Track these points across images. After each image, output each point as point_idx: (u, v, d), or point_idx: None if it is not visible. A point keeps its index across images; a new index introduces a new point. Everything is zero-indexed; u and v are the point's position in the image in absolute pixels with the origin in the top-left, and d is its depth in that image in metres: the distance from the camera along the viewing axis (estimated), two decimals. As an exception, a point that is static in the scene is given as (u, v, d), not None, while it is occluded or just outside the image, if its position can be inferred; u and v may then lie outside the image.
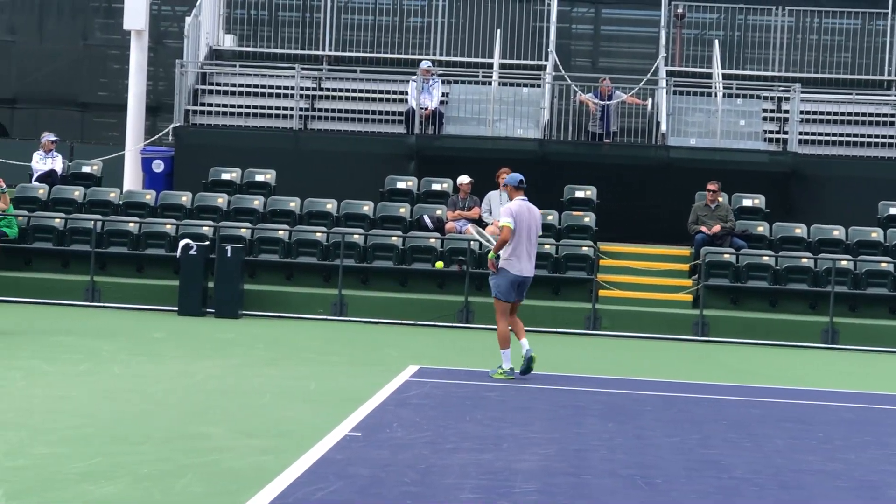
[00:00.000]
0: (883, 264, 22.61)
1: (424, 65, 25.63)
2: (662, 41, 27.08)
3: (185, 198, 23.86)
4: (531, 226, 15.12)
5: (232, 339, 18.11)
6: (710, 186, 23.17)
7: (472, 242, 21.72)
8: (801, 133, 25.23)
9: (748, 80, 27.22)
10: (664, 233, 24.20)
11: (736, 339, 21.34)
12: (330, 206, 23.68)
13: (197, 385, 13.56)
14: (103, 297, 21.84)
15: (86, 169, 25.41)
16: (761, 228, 23.60)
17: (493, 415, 12.40)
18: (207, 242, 21.81)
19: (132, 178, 26.24)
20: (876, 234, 23.57)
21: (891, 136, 25.94)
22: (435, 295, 22.13)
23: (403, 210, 23.63)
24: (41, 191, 24.05)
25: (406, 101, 25.72)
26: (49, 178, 24.69)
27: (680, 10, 28.12)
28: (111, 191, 24.32)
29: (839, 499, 9.44)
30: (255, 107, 25.99)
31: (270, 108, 26.02)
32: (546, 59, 26.83)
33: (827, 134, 25.66)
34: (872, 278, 22.41)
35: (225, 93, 26.41)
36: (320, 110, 26.22)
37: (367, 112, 25.80)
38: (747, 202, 24.29)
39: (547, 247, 22.52)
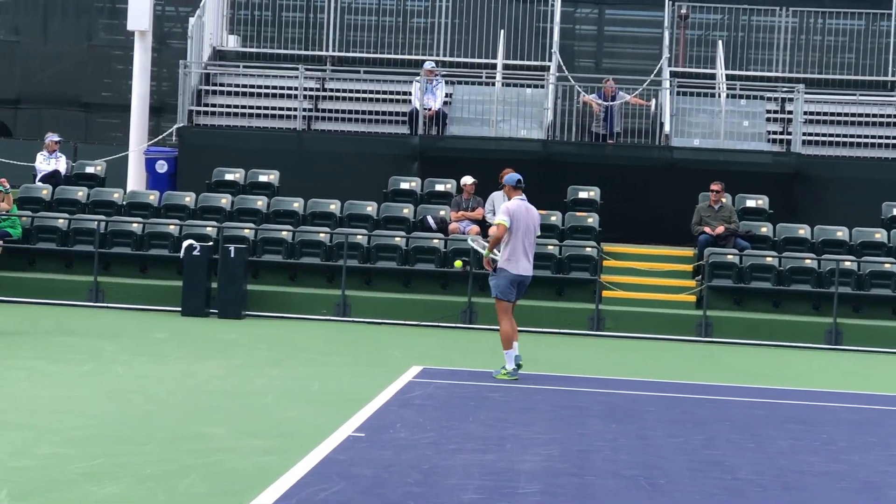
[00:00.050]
0: (886, 265, 22.60)
1: (428, 65, 25.63)
2: (666, 42, 27.07)
3: (188, 198, 23.87)
4: (529, 225, 15.15)
5: (235, 340, 18.11)
6: (714, 187, 23.16)
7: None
8: (804, 134, 25.21)
9: (752, 81, 27.21)
10: (668, 233, 24.19)
11: (739, 339, 21.33)
12: (333, 206, 23.69)
13: (200, 385, 13.57)
14: (107, 297, 21.85)
15: (89, 169, 25.43)
16: (765, 229, 23.59)
17: (497, 415, 12.40)
18: (211, 243, 21.81)
19: (136, 179, 26.26)
20: (879, 234, 23.55)
21: (894, 137, 25.91)
22: (438, 295, 22.13)
23: (407, 211, 23.63)
24: (45, 191, 24.07)
25: (410, 101, 25.72)
26: (53, 178, 24.71)
27: (683, 11, 28.11)
28: (115, 191, 24.33)
29: (842, 500, 9.44)
30: (259, 107, 25.99)
31: (274, 108, 26.02)
32: (549, 60, 26.84)
33: (830, 135, 25.64)
34: (876, 279, 22.40)
35: (228, 93, 26.42)
36: (324, 111, 26.22)
37: (370, 113, 25.80)
38: (751, 203, 24.28)
39: (550, 247, 22.53)
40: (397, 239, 22.68)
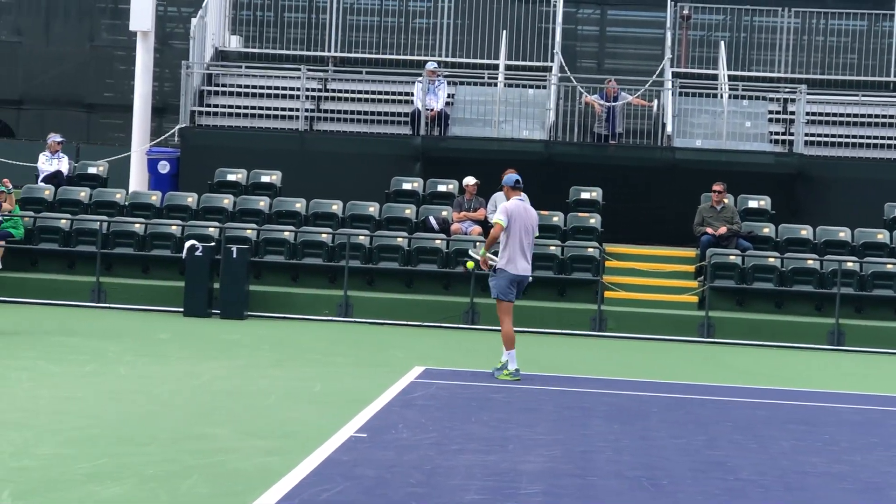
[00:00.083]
0: (889, 266, 22.59)
1: (430, 66, 25.63)
2: (668, 42, 27.08)
3: (190, 199, 23.87)
4: (527, 225, 15.19)
5: (237, 341, 18.11)
6: (716, 188, 23.15)
7: (477, 244, 21.71)
8: (806, 134, 25.20)
9: (754, 82, 27.20)
10: (670, 234, 24.19)
11: (741, 340, 21.33)
12: (335, 207, 23.69)
13: (202, 386, 13.57)
14: (109, 297, 21.86)
15: (92, 170, 25.44)
16: (767, 230, 23.59)
17: (499, 416, 12.40)
18: (213, 243, 21.82)
19: (138, 179, 26.27)
20: (882, 235, 23.54)
21: (897, 138, 25.93)
22: (440, 296, 22.14)
23: (409, 211, 23.63)
24: (47, 192, 24.08)
25: (412, 102, 25.72)
26: (55, 178, 24.72)
27: (686, 12, 28.11)
28: (117, 192, 24.34)
29: (844, 501, 9.44)
30: (261, 108, 26.00)
31: (276, 109, 26.03)
32: (552, 61, 26.83)
33: (833, 135, 25.64)
34: (878, 280, 22.39)
35: (231, 94, 26.43)
36: (326, 111, 26.23)
37: (372, 113, 25.80)
38: (753, 204, 24.27)
39: (552, 248, 22.53)
40: (399, 239, 22.69)
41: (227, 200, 23.79)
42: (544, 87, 25.83)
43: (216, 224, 22.89)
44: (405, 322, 21.44)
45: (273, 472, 9.18)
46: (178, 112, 26.78)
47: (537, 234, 15.63)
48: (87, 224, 22.97)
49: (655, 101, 25.87)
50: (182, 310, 21.19)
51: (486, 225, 22.24)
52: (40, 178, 24.88)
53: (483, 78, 26.43)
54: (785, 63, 28.02)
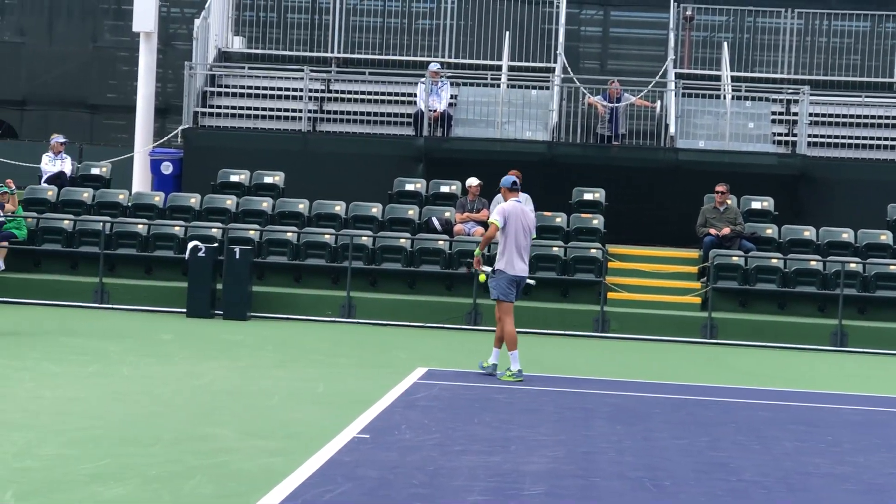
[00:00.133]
0: (892, 267, 22.57)
1: (433, 67, 25.64)
2: (671, 43, 27.07)
3: (193, 199, 23.88)
4: (524, 226, 15.24)
5: (240, 341, 18.12)
6: (719, 189, 23.15)
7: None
8: (809, 135, 25.20)
9: (757, 83, 27.19)
10: (673, 235, 24.19)
11: (744, 341, 21.32)
12: (338, 207, 23.70)
13: (205, 387, 13.58)
14: (112, 298, 21.87)
15: (95, 171, 25.45)
16: (770, 231, 23.58)
17: (502, 417, 12.40)
18: (216, 244, 21.82)
19: (141, 180, 26.28)
20: (885, 236, 23.53)
21: (900, 139, 25.91)
22: (443, 297, 22.14)
23: (412, 212, 23.64)
24: (50, 192, 24.09)
25: (415, 103, 25.73)
26: (58, 179, 24.73)
27: (689, 13, 28.11)
28: (120, 192, 24.35)
29: (847, 502, 9.43)
30: (264, 109, 26.00)
31: (279, 109, 26.03)
32: (555, 62, 26.84)
33: (836, 136, 25.63)
34: (881, 281, 22.38)
35: (234, 95, 26.44)
36: (329, 112, 26.24)
37: (375, 114, 25.81)
38: (756, 205, 24.27)
39: (555, 249, 22.54)
40: (402, 240, 22.69)
41: (230, 201, 23.79)
42: (547, 88, 25.83)
43: (219, 225, 22.90)
44: (408, 323, 21.44)
45: (276, 472, 9.18)
46: (181, 113, 26.80)
47: (535, 236, 15.66)
48: (90, 225, 22.98)
49: (658, 102, 25.87)
50: (185, 310, 21.20)
51: (488, 226, 22.21)
52: (43, 179, 24.89)
53: (486, 79, 26.43)
54: (788, 64, 28.01)
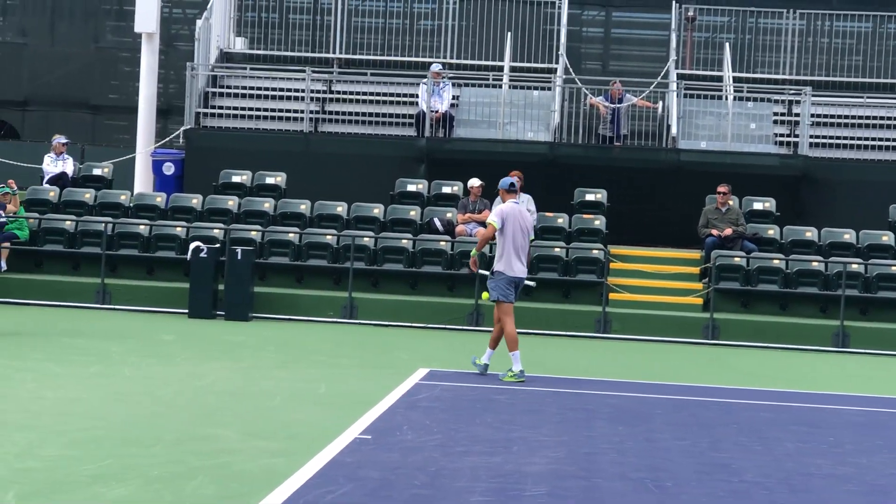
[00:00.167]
0: (894, 268, 22.57)
1: (435, 68, 25.64)
2: (673, 44, 27.06)
3: (195, 200, 23.89)
4: (522, 228, 15.27)
5: (242, 342, 18.12)
6: (721, 189, 23.15)
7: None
8: (811, 136, 25.20)
9: (759, 84, 27.18)
10: (674, 236, 24.19)
11: (746, 342, 21.31)
12: (340, 208, 23.71)
13: (207, 387, 13.58)
14: (114, 299, 21.87)
15: (96, 171, 25.45)
16: (772, 232, 23.58)
17: (504, 418, 12.40)
18: (218, 245, 21.83)
19: (143, 181, 26.29)
20: (887, 237, 23.52)
21: (902, 140, 25.91)
22: (445, 298, 22.14)
23: (414, 213, 23.64)
24: (52, 193, 24.09)
25: (416, 103, 25.73)
26: (60, 180, 24.73)
27: (690, 14, 28.10)
28: (122, 193, 24.36)
29: (849, 503, 9.43)
30: (266, 109, 26.00)
31: (281, 110, 26.04)
32: (556, 62, 26.83)
33: (838, 137, 25.63)
34: (883, 282, 22.38)
35: (235, 95, 26.45)
36: (331, 113, 26.24)
37: (377, 115, 25.81)
38: (758, 205, 24.27)
39: (557, 250, 22.54)
40: (404, 241, 22.69)
41: (231, 202, 23.80)
42: (549, 89, 25.83)
43: (221, 225, 22.90)
44: (409, 324, 21.45)
45: (278, 473, 9.18)
46: (182, 113, 26.81)
47: (533, 238, 15.69)
48: (91, 225, 22.99)
49: (660, 103, 25.86)
50: (187, 311, 21.21)
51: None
52: (45, 180, 24.89)
53: (488, 79, 26.43)
54: (790, 65, 28.00)
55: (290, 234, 22.83)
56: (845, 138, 25.61)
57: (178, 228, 22.93)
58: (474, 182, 23.14)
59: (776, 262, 22.57)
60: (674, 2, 27.60)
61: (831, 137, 25.64)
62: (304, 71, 26.12)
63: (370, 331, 20.70)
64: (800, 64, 28.05)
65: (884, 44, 28.14)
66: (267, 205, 23.75)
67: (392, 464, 9.74)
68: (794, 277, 22.40)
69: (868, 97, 26.69)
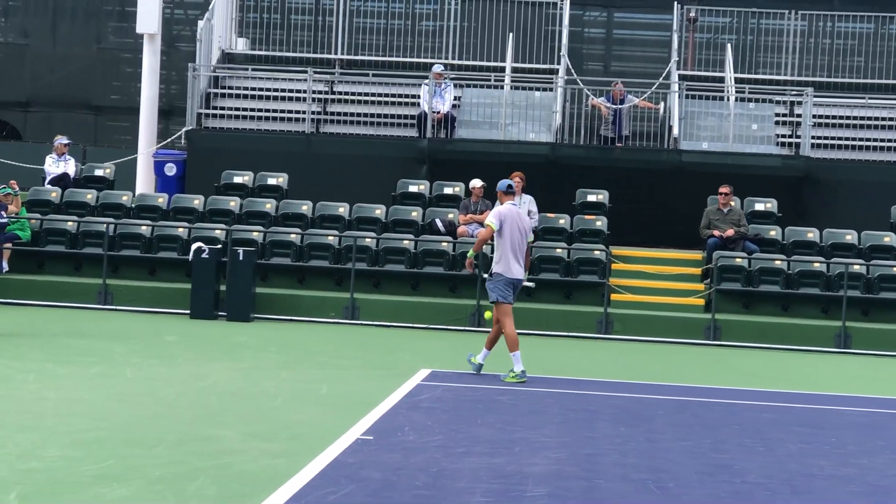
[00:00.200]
0: (895, 268, 22.56)
1: (437, 68, 25.65)
2: (675, 45, 27.06)
3: (197, 201, 23.89)
4: (520, 229, 15.30)
5: (244, 343, 18.13)
6: (723, 190, 23.15)
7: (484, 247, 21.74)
8: (813, 137, 25.19)
9: (761, 84, 27.17)
10: (676, 237, 24.19)
11: (748, 343, 21.31)
12: (342, 209, 23.71)
13: (209, 388, 13.58)
14: (116, 300, 21.88)
15: (98, 172, 25.45)
16: (773, 233, 23.58)
17: (505, 418, 12.40)
18: (219, 246, 21.83)
19: (144, 182, 26.29)
20: (889, 238, 23.52)
21: (904, 141, 25.90)
22: (447, 298, 22.14)
23: (415, 214, 23.64)
24: (54, 194, 24.10)
25: (418, 104, 25.73)
26: (62, 181, 24.74)
27: (692, 14, 28.09)
28: (123, 194, 24.37)
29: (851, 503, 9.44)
30: (268, 110, 26.01)
31: (283, 111, 26.05)
32: (558, 63, 26.83)
33: (840, 138, 25.63)
34: (885, 283, 22.37)
35: (237, 96, 26.45)
36: (332, 114, 26.25)
37: (379, 115, 25.81)
38: (759, 206, 24.26)
39: (559, 250, 22.54)
40: (406, 242, 22.70)
41: (233, 203, 23.81)
42: (551, 90, 25.83)
43: (223, 226, 22.91)
44: (411, 324, 21.45)
45: (279, 474, 9.18)
46: (184, 114, 26.81)
47: (532, 240, 15.71)
48: (93, 226, 23.00)
49: (662, 104, 25.86)
50: (188, 312, 21.22)
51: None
52: (47, 181, 24.89)
53: (489, 80, 26.43)
54: (791, 66, 28.00)
55: (292, 235, 22.83)
56: (847, 139, 25.60)
57: (180, 229, 22.94)
58: (476, 183, 23.15)
59: (778, 262, 22.57)
60: (675, 2, 27.61)
61: (833, 138, 25.64)
62: (305, 72, 26.12)
63: (372, 331, 20.71)
64: (801, 65, 28.05)
65: (885, 45, 28.14)
66: (269, 205, 23.75)
67: (394, 464, 9.74)
68: (796, 278, 22.40)
69: (870, 98, 26.69)
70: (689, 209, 23.85)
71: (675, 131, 25.10)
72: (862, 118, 25.95)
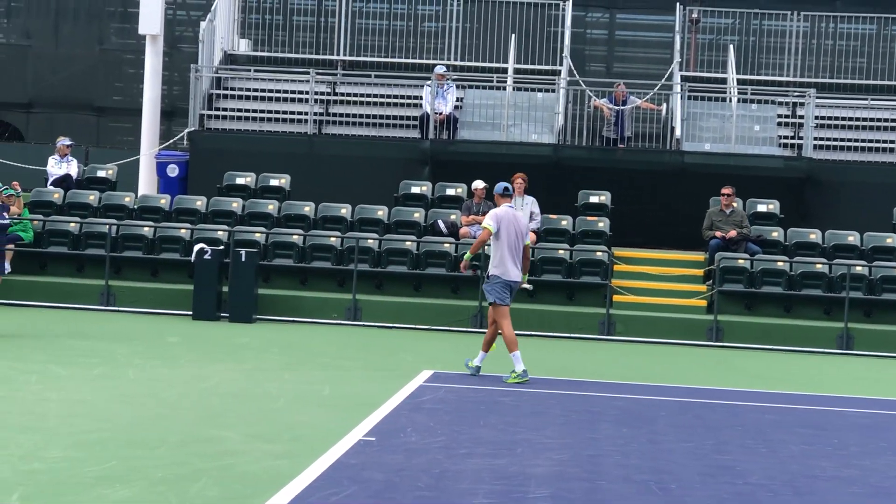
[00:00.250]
0: (898, 270, 22.56)
1: (439, 69, 25.65)
2: (677, 46, 27.06)
3: (199, 202, 23.90)
4: (517, 231, 15.32)
5: (246, 344, 18.13)
6: (725, 191, 23.15)
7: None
8: (815, 138, 25.19)
9: (763, 86, 27.18)
10: (678, 238, 24.18)
11: (750, 344, 21.31)
12: (344, 210, 23.72)
13: (211, 389, 13.59)
14: (118, 301, 21.89)
15: (101, 173, 25.46)
16: (776, 234, 23.57)
17: (508, 420, 12.40)
18: (222, 247, 21.84)
19: (147, 183, 26.30)
20: (891, 239, 23.50)
21: (906, 142, 25.89)
22: (449, 300, 22.14)
23: (418, 215, 23.64)
24: (56, 195, 24.11)
25: (420, 105, 25.74)
26: (64, 182, 24.75)
27: (695, 15, 28.10)
28: (126, 195, 24.37)
29: (854, 505, 9.44)
30: (270, 111, 26.02)
31: (285, 112, 26.05)
32: (560, 64, 26.83)
33: (842, 139, 25.62)
34: (887, 284, 22.36)
35: (240, 97, 26.46)
36: (335, 115, 26.25)
37: (381, 117, 25.82)
38: (762, 207, 24.26)
39: (561, 252, 22.54)
40: (408, 243, 22.70)
41: (235, 204, 23.81)
42: (553, 91, 25.83)
43: (225, 227, 22.91)
44: (414, 325, 21.45)
45: (282, 475, 9.19)
46: (186, 115, 26.82)
47: (528, 242, 15.73)
48: (96, 227, 23.01)
49: (664, 105, 25.87)
50: (191, 313, 21.22)
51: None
52: (49, 182, 24.90)
53: (492, 81, 26.42)
54: (794, 67, 27.99)
55: (294, 236, 22.83)
56: (849, 140, 25.60)
57: (183, 230, 22.95)
58: (478, 184, 23.15)
59: (780, 264, 22.57)
60: (678, 3, 27.61)
61: (835, 139, 25.64)
62: (307, 73, 26.13)
63: (374, 333, 20.71)
64: (804, 66, 28.05)
65: (888, 46, 28.13)
66: (271, 207, 23.76)
67: (396, 466, 9.74)
68: (798, 279, 22.39)
69: (872, 99, 26.68)
70: (691, 210, 23.85)
71: (678, 132, 25.10)
72: (864, 119, 25.95)
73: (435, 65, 26.40)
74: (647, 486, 9.55)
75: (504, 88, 26.08)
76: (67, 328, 19.11)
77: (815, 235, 23.60)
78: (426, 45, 28.56)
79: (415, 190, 24.34)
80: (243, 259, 21.15)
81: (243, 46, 28.37)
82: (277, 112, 26.03)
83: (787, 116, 26.36)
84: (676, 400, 14.69)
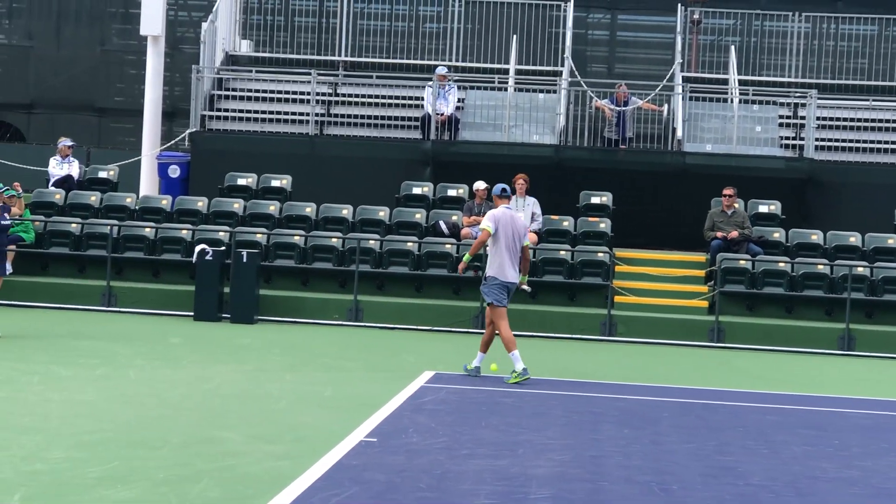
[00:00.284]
0: (899, 271, 22.56)
1: (440, 70, 25.65)
2: (678, 47, 27.06)
3: (200, 203, 23.90)
4: (515, 232, 15.34)
5: (247, 345, 18.13)
6: (727, 192, 23.14)
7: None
8: (817, 139, 25.18)
9: (764, 86, 27.17)
10: (680, 239, 24.18)
11: (752, 345, 21.30)
12: (345, 211, 23.72)
13: (213, 390, 13.59)
14: (119, 301, 21.89)
15: (102, 174, 25.46)
16: (777, 235, 23.56)
17: (509, 420, 12.40)
18: (223, 248, 21.84)
19: (148, 184, 26.30)
20: (892, 240, 23.49)
21: (907, 143, 25.89)
22: (450, 301, 22.13)
23: (419, 216, 23.64)
24: (58, 196, 24.11)
25: (422, 106, 25.74)
26: (66, 183, 24.75)
27: (696, 16, 28.10)
28: (127, 196, 24.37)
29: (856, 506, 9.43)
30: (271, 112, 26.03)
31: (286, 113, 26.06)
32: (562, 65, 26.83)
33: (843, 140, 25.61)
34: (889, 285, 22.35)
35: (241, 98, 26.46)
36: (336, 115, 26.25)
37: (383, 117, 25.82)
38: (763, 208, 24.25)
39: (562, 253, 22.53)
40: (409, 244, 22.69)
41: (237, 204, 23.81)
42: (554, 92, 25.83)
43: (226, 228, 22.91)
44: (415, 327, 21.45)
45: (283, 476, 9.19)
46: (188, 116, 26.81)
47: (527, 243, 15.74)
48: (97, 228, 23.01)
49: (665, 106, 25.86)
50: (192, 314, 21.22)
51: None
52: (51, 183, 24.90)
53: (493, 82, 26.42)
54: (795, 68, 27.99)
55: (296, 237, 22.84)
56: (851, 141, 25.59)
57: (184, 231, 22.95)
58: (480, 185, 23.14)
59: (782, 265, 22.56)
60: (679, 4, 27.61)
61: (837, 140, 25.63)
62: (309, 74, 26.13)
63: (376, 333, 20.71)
64: (805, 67, 28.05)
65: (889, 46, 28.13)
66: (272, 207, 23.76)
67: (397, 466, 9.74)
68: (800, 280, 22.39)
69: (874, 100, 26.68)
70: (692, 211, 23.85)
71: (679, 133, 25.10)
72: (866, 120, 25.94)
73: (436, 66, 26.40)
74: (648, 487, 9.55)
75: (505, 89, 26.07)
76: (69, 329, 19.11)
77: (816, 236, 23.60)
78: (427, 45, 28.57)
79: (416, 191, 24.34)
80: (245, 260, 21.15)
81: (244, 47, 28.38)
82: (279, 113, 26.03)
83: (788, 117, 26.36)
84: (678, 401, 14.68)
